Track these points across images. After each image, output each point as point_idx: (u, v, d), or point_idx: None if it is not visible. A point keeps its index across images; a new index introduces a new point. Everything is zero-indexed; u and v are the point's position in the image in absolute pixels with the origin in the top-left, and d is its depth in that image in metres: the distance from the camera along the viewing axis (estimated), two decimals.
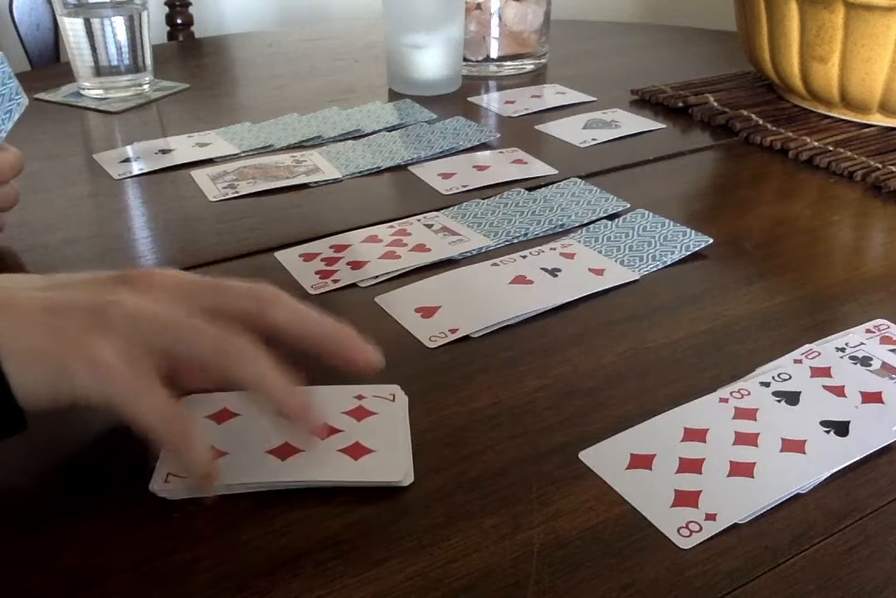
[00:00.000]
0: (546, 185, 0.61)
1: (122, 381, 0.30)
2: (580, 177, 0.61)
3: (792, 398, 0.39)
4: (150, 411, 0.30)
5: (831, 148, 0.66)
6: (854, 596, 0.29)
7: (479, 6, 0.83)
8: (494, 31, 0.85)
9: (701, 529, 0.32)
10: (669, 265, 0.50)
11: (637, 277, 0.49)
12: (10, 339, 0.30)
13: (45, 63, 1.22)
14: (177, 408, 0.31)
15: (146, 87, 0.81)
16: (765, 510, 0.33)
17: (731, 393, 0.39)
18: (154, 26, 0.82)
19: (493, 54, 0.86)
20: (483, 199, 0.58)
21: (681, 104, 0.76)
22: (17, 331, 0.30)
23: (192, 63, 0.96)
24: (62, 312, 0.31)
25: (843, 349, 0.42)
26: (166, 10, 1.35)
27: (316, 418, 0.33)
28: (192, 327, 0.31)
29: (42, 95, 0.80)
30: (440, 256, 0.51)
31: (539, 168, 0.64)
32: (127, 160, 0.66)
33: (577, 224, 0.55)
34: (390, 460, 0.35)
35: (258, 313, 0.33)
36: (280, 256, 0.52)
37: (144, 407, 0.30)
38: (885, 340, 0.43)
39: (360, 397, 0.38)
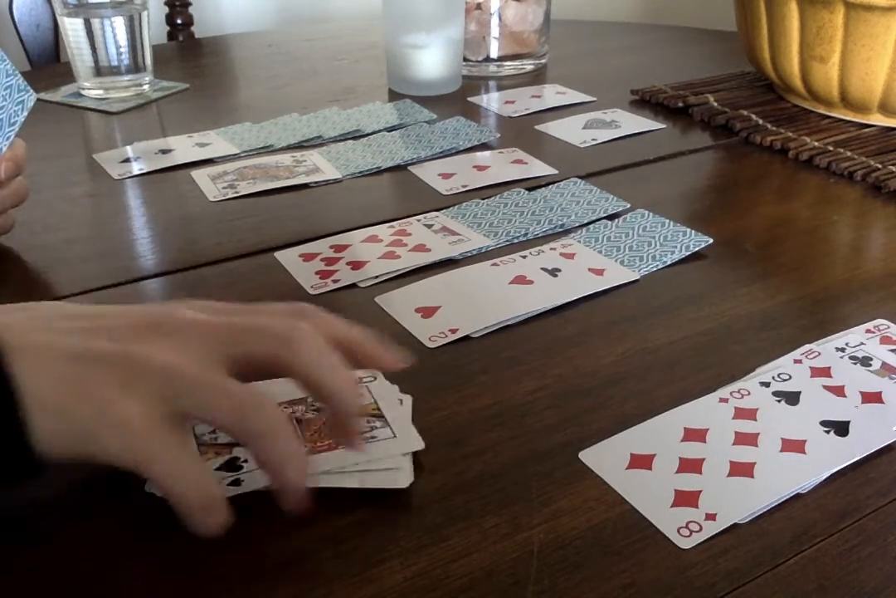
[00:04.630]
0: (546, 185, 0.61)
1: (146, 445, 0.28)
2: (580, 177, 0.61)
3: (792, 398, 0.39)
4: (173, 478, 0.29)
5: (831, 148, 0.66)
6: (854, 596, 0.29)
7: (479, 6, 0.83)
8: (494, 31, 0.85)
9: (701, 529, 0.32)
10: (669, 265, 0.50)
11: (637, 277, 0.49)
12: (33, 389, 0.28)
13: (45, 63, 1.22)
14: (200, 474, 0.30)
15: (146, 87, 0.81)
16: (765, 510, 0.33)
17: (731, 393, 0.39)
18: (154, 26, 0.82)
19: (493, 54, 0.86)
20: (483, 199, 0.58)
21: (681, 104, 0.76)
22: (41, 381, 0.29)
23: (192, 63, 0.96)
24: (88, 363, 0.29)
25: (843, 349, 0.42)
26: (166, 10, 1.35)
27: (303, 498, 0.31)
28: (217, 389, 0.30)
29: (42, 95, 0.80)
30: (440, 256, 0.51)
31: (539, 168, 0.64)
32: (127, 160, 0.66)
33: (577, 224, 0.55)
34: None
35: (285, 362, 0.31)
36: (280, 256, 0.52)
37: (167, 473, 0.29)
38: (885, 340, 0.43)
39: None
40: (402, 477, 0.34)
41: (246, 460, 0.34)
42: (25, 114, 0.50)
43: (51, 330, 0.31)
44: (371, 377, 0.38)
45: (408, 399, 0.38)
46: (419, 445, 0.35)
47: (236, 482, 0.33)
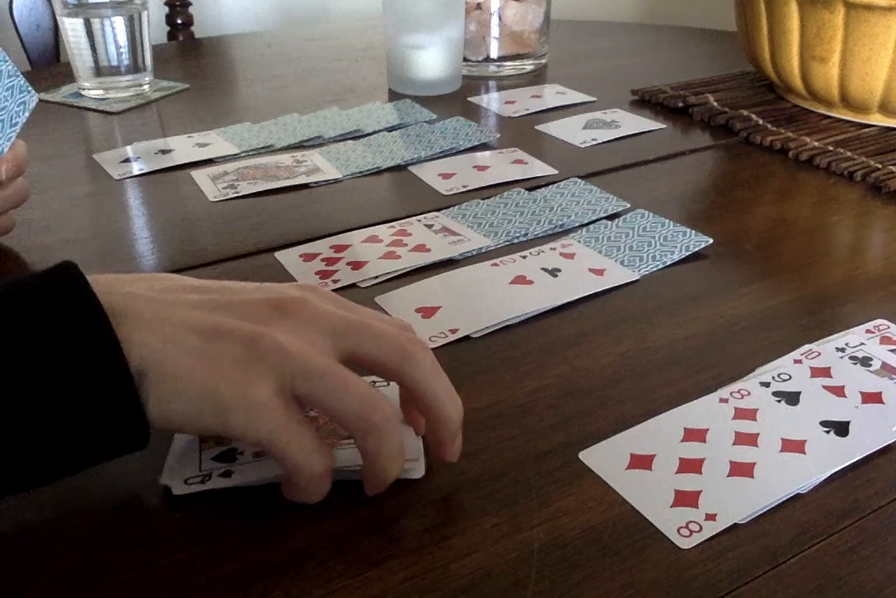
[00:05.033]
0: (546, 185, 0.61)
1: (277, 422, 0.30)
2: (580, 177, 0.61)
3: (792, 398, 0.39)
4: (300, 455, 0.30)
5: (831, 148, 0.66)
6: (854, 596, 0.29)
7: (479, 6, 0.83)
8: (494, 31, 0.85)
9: (701, 529, 0.32)
10: (669, 265, 0.50)
11: (637, 277, 0.49)
12: (161, 359, 0.29)
13: (45, 63, 1.22)
14: (323, 452, 0.31)
15: (146, 87, 0.81)
16: (765, 510, 0.33)
17: (731, 393, 0.39)
18: (154, 26, 0.82)
19: (493, 54, 0.86)
20: (483, 199, 0.58)
21: (681, 104, 0.76)
22: (169, 353, 0.30)
23: (192, 63, 0.96)
24: (216, 338, 0.30)
25: (843, 349, 0.42)
26: (166, 10, 1.35)
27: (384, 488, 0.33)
28: (341, 379, 0.31)
29: (42, 95, 0.80)
30: (440, 256, 0.51)
31: (539, 168, 0.64)
32: (127, 160, 0.66)
33: (577, 224, 0.55)
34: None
35: (396, 367, 0.32)
36: (280, 256, 0.52)
37: (294, 450, 0.30)
38: (885, 340, 0.43)
39: None
40: (416, 469, 0.34)
41: (242, 453, 0.34)
42: (27, 115, 0.50)
43: (177, 302, 0.32)
44: (385, 383, 0.38)
45: None
46: (414, 456, 0.35)
47: (227, 474, 0.33)
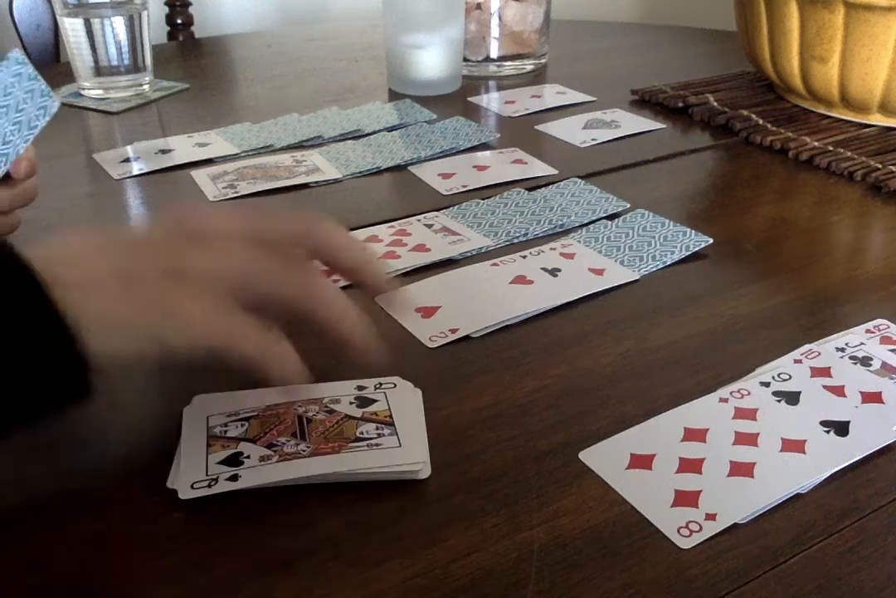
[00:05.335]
0: (546, 185, 0.61)
1: (211, 325, 0.32)
2: (580, 177, 0.61)
3: (792, 398, 0.39)
4: (248, 343, 0.32)
5: (831, 148, 0.66)
6: (854, 596, 0.30)
7: (479, 6, 0.83)
8: (494, 31, 0.85)
9: (701, 529, 0.32)
10: (669, 265, 0.50)
11: (637, 277, 0.49)
12: (90, 311, 0.31)
13: (45, 63, 1.22)
14: (268, 332, 0.33)
15: (146, 87, 0.81)
16: (765, 509, 0.33)
17: (731, 393, 0.39)
18: (154, 26, 0.81)
19: (493, 54, 0.86)
20: (483, 199, 0.58)
21: (681, 104, 0.76)
22: (96, 304, 0.31)
23: (192, 63, 0.96)
24: (138, 281, 0.32)
25: (843, 349, 0.42)
26: (166, 10, 1.35)
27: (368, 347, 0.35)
28: (267, 271, 0.33)
29: None
30: (440, 255, 0.51)
31: (539, 168, 0.64)
32: (127, 160, 0.66)
33: (577, 224, 0.55)
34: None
35: (307, 238, 0.36)
36: None
37: (241, 341, 0.32)
38: (885, 340, 0.43)
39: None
40: (423, 470, 0.34)
41: (248, 456, 0.34)
42: (47, 119, 0.50)
43: (96, 256, 0.33)
44: (391, 384, 0.39)
45: (416, 390, 0.38)
46: (421, 458, 0.35)
47: (234, 478, 0.33)
